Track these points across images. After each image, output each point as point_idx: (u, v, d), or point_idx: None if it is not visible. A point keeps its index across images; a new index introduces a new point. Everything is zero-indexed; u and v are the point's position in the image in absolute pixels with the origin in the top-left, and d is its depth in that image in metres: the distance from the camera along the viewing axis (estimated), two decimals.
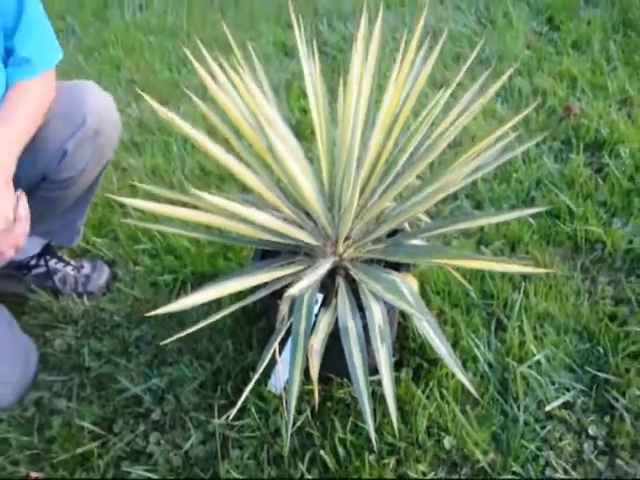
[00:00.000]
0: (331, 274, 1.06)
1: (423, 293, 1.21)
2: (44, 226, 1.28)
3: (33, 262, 1.42)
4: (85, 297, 1.40)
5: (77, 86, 1.21)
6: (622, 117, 1.70)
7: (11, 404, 1.17)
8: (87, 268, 1.46)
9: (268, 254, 1.11)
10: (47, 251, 1.43)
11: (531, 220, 1.39)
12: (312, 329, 0.97)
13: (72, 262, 1.47)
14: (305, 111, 1.93)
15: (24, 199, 1.02)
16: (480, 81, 1.04)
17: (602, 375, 1.09)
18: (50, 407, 1.16)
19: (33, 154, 1.10)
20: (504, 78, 1.01)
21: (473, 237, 1.37)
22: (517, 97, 1.87)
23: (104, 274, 1.45)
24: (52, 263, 1.44)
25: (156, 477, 1.00)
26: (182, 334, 0.90)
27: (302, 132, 1.82)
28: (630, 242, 1.32)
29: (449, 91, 1.03)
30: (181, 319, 1.27)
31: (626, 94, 1.81)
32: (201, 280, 1.36)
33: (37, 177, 1.18)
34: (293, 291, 0.84)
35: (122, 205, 1.61)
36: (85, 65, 2.51)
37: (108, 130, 1.22)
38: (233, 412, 0.91)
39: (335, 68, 2.24)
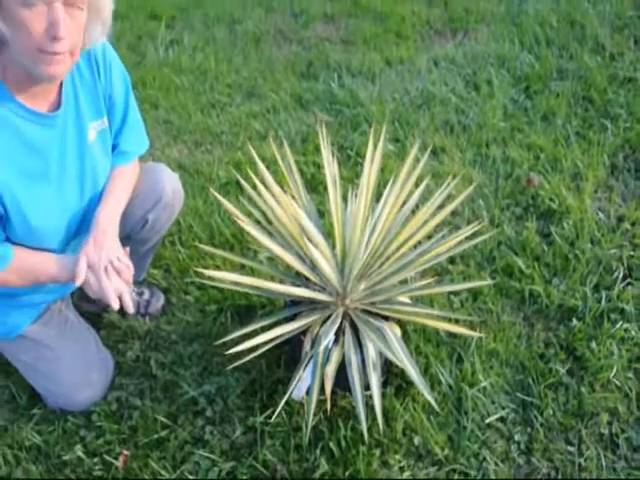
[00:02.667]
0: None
1: (405, 331, 1.64)
2: None
3: None
4: (146, 318, 1.83)
5: (153, 168, 1.62)
6: (571, 191, 2.14)
7: (99, 400, 1.59)
8: (147, 294, 1.87)
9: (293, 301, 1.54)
10: None
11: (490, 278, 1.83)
12: (327, 359, 1.41)
13: (135, 289, 1.88)
14: (319, 166, 2.34)
15: (127, 251, 1.42)
16: (444, 194, 1.46)
17: (528, 399, 1.53)
18: (128, 404, 1.58)
19: (123, 221, 1.47)
20: (460, 199, 1.43)
21: None
22: (491, 165, 2.30)
23: (160, 300, 1.87)
24: None
25: (213, 457, 1.43)
26: (243, 361, 1.34)
27: (315, 187, 2.24)
28: (562, 299, 1.77)
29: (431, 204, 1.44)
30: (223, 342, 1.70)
31: (577, 169, 2.26)
32: (239, 310, 1.79)
33: (124, 236, 1.58)
34: (322, 345, 1.28)
35: (173, 243, 2.04)
36: None
37: (177, 202, 1.65)
38: (275, 414, 1.35)
39: (343, 122, 2.66)
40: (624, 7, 3.37)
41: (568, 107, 2.63)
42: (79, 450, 1.48)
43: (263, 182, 1.50)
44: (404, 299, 1.54)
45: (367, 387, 1.43)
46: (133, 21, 3.76)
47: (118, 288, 1.29)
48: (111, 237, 1.37)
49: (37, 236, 1.31)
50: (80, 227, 1.42)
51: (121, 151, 1.50)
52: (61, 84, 1.28)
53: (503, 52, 3.07)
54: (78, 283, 1.28)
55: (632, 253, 1.90)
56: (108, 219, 1.39)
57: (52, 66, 1.11)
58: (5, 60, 1.15)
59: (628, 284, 1.81)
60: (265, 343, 1.35)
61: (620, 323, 1.68)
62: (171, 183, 1.61)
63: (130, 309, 1.29)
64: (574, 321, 1.70)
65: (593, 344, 1.63)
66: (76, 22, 1.11)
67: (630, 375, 1.57)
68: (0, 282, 1.29)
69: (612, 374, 1.56)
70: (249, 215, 1.57)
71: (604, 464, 1.41)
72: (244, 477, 1.40)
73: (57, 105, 1.27)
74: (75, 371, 1.54)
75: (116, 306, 1.27)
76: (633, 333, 1.67)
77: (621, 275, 1.83)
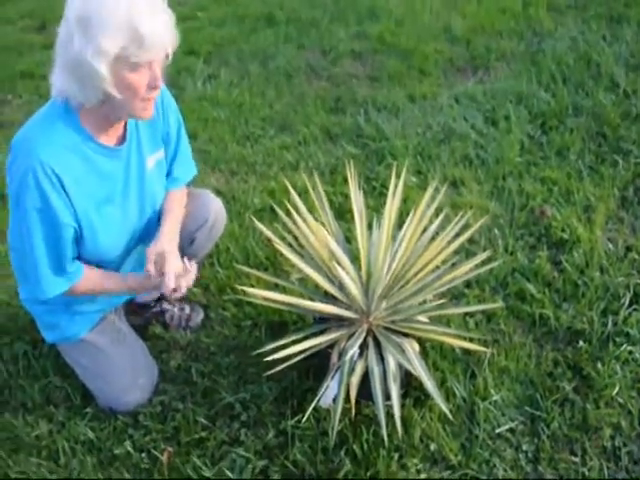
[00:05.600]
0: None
1: (423, 349, 1.79)
2: None
3: (152, 304, 2.04)
4: (188, 331, 2.01)
5: (200, 193, 1.84)
6: (582, 222, 2.28)
7: (145, 403, 1.76)
8: (187, 309, 2.05)
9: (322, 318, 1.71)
10: (161, 297, 2.04)
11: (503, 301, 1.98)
12: (352, 371, 1.57)
13: (177, 304, 2.07)
14: (346, 196, 2.51)
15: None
16: (461, 223, 1.63)
17: (536, 412, 1.66)
18: (171, 407, 1.75)
19: None
20: (475, 228, 1.60)
21: None
22: (507, 197, 2.46)
23: (200, 315, 2.05)
24: (165, 305, 2.05)
25: (248, 455, 1.59)
26: (276, 370, 1.50)
27: (343, 214, 2.42)
28: (571, 322, 1.91)
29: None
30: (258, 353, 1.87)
31: (589, 202, 2.40)
32: (272, 326, 1.96)
33: None
34: (348, 358, 1.44)
35: (212, 264, 2.22)
36: None
37: (219, 223, 1.86)
38: (304, 419, 1.51)
39: (369, 155, 2.84)
40: (639, 46, 3.52)
41: (582, 142, 2.77)
42: (128, 445, 1.65)
43: (296, 209, 1.69)
44: (423, 318, 1.69)
45: (388, 397, 1.58)
46: (172, 56, 4.01)
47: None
48: (174, 243, 1.59)
49: (101, 250, 1.53)
50: (137, 243, 1.63)
51: (173, 177, 1.73)
52: (126, 123, 1.50)
53: (521, 89, 3.23)
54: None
55: (639, 281, 2.03)
56: (171, 232, 1.61)
57: (148, 110, 1.39)
58: (94, 111, 1.38)
59: (634, 310, 1.94)
60: (296, 354, 1.52)
61: (625, 346, 1.81)
62: (215, 206, 1.83)
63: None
64: (581, 343, 1.83)
65: (599, 365, 1.76)
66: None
67: (633, 394, 1.70)
68: (70, 292, 1.51)
69: (616, 392, 1.68)
70: (282, 239, 1.75)
71: (606, 474, 1.53)
72: (276, 475, 1.56)
73: (122, 140, 1.51)
74: (125, 375, 1.72)
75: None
76: (637, 355, 1.79)
77: (627, 301, 1.96)
